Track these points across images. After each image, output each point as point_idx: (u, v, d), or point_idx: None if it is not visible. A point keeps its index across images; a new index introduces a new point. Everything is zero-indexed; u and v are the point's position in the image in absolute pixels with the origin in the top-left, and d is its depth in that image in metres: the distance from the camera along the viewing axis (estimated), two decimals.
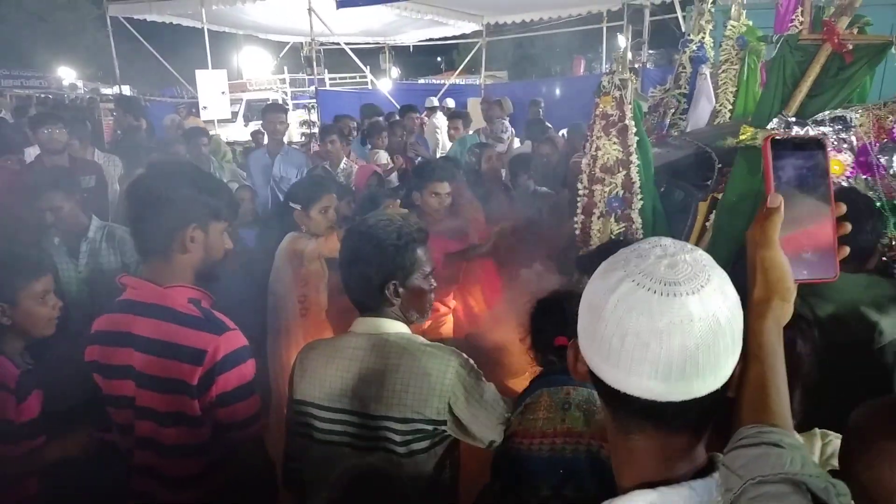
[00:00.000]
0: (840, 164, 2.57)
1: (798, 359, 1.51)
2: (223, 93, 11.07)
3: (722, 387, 0.86)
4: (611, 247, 2.26)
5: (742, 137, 2.70)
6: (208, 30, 10.93)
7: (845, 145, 2.61)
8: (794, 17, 3.43)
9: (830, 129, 2.65)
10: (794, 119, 2.61)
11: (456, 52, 21.13)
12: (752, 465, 0.80)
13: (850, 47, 2.70)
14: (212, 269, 1.78)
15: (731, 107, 3.73)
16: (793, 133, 2.54)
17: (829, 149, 0.95)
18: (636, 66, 9.15)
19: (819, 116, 2.66)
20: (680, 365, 0.82)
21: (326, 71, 13.92)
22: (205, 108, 10.79)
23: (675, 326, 0.82)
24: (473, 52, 13.69)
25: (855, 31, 2.96)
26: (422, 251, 1.75)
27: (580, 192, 3.04)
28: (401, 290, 1.70)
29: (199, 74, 11.01)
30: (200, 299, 1.72)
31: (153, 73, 21.65)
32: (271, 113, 5.42)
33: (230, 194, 1.82)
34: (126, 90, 11.53)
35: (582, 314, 0.93)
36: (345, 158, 5.24)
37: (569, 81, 12.95)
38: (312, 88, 11.14)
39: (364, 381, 1.64)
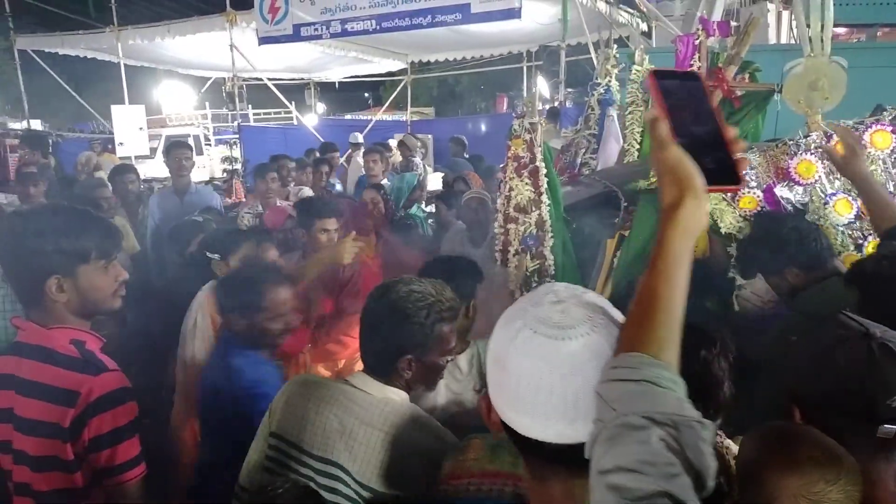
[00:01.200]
0: (752, 200, 2.74)
1: (715, 380, 1.54)
2: (141, 128, 10.78)
3: None
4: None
5: (652, 181, 2.84)
6: (126, 64, 10.67)
7: (752, 183, 2.79)
8: (691, 62, 3.66)
9: None
10: None
11: (383, 87, 21.35)
12: (628, 401, 0.80)
13: (739, 93, 2.91)
14: (102, 305, 1.71)
15: (637, 146, 3.91)
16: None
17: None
18: (555, 104, 9.50)
19: None
20: (584, 405, 0.84)
21: (250, 106, 13.80)
22: (121, 144, 10.47)
23: (574, 368, 0.85)
24: (399, 88, 13.87)
25: (746, 77, 3.19)
26: (448, 328, 1.69)
27: (497, 231, 3.11)
28: (415, 364, 1.65)
29: (115, 110, 10.71)
30: (85, 341, 1.67)
31: (67, 108, 20.89)
32: (175, 150, 5.02)
33: (103, 229, 1.72)
34: (36, 125, 11.03)
35: (488, 366, 0.95)
36: (278, 201, 5.06)
37: (492, 118, 13.29)
38: (235, 124, 11.00)
39: (361, 443, 1.58)
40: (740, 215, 2.68)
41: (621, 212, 2.94)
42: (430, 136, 12.14)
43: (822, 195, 2.60)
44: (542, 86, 11.22)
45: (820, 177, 2.60)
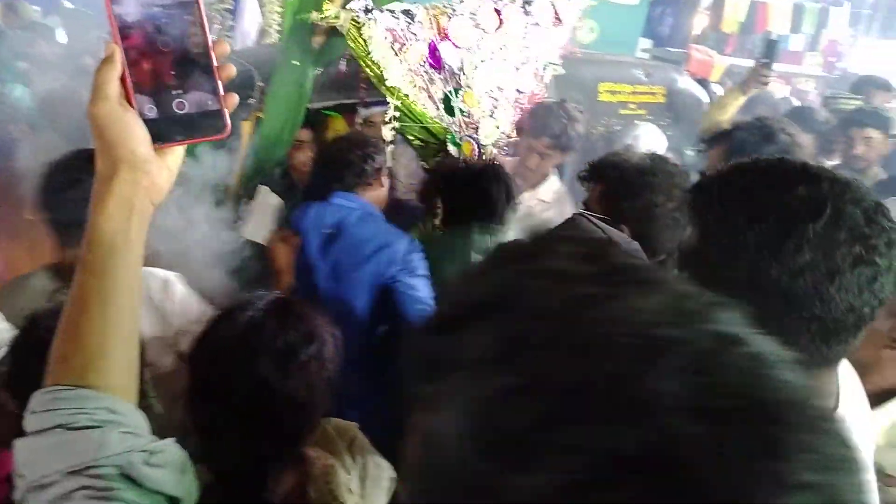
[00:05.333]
0: (417, 54, 2.66)
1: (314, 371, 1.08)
2: None
3: None
4: None
5: (326, 14, 2.58)
6: None
7: (415, 37, 2.69)
8: None
9: (400, 19, 2.68)
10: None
11: None
12: (38, 460, 0.62)
13: None
14: None
15: (278, 26, 3.67)
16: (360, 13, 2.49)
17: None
18: None
19: (390, 6, 2.67)
20: None
21: None
22: None
23: None
24: None
25: None
26: None
27: None
28: None
29: None
30: None
31: None
32: None
33: None
34: None
35: None
36: None
37: None
38: None
39: None
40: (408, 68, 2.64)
41: (255, 91, 2.73)
42: None
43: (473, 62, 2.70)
44: None
45: (475, 44, 2.68)
